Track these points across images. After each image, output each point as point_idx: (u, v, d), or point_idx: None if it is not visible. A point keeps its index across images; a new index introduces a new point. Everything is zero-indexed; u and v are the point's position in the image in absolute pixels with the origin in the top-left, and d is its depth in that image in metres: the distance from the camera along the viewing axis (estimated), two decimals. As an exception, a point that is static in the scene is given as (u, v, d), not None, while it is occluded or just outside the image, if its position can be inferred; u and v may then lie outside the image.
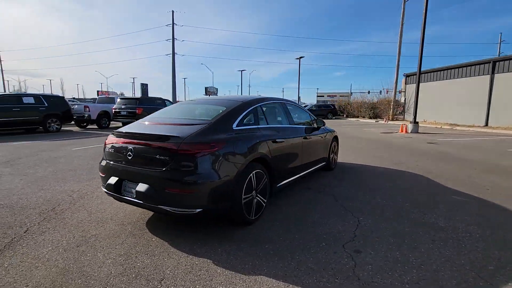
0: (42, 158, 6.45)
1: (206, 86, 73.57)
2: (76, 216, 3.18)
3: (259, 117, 3.41)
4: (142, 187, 2.54)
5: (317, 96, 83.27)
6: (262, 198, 3.11)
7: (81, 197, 3.84)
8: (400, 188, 4.34)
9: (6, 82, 56.39)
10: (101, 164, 3.00)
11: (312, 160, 4.48)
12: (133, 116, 13.48)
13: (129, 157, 2.67)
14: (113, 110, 14.70)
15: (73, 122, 15.30)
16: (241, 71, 42.22)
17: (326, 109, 29.07)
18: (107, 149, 2.95)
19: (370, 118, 25.72)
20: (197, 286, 1.96)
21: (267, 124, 3.50)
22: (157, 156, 2.50)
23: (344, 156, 7.10)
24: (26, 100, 12.36)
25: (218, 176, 2.52)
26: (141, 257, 2.33)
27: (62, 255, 2.35)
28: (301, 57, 30.55)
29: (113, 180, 2.79)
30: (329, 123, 20.71)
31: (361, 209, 3.43)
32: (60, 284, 1.97)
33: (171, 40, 46.40)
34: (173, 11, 47.27)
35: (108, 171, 2.88)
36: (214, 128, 2.76)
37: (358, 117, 27.90)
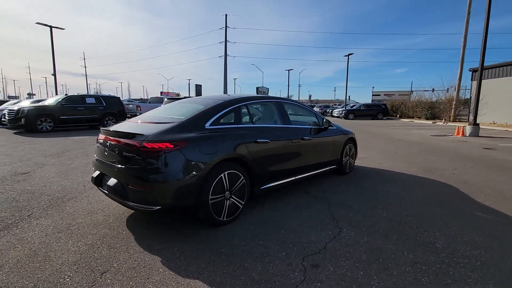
0: (84, 152, 7.28)
1: (257, 86, 74.95)
2: (76, 204, 3.51)
3: (242, 117, 3.32)
4: (112, 181, 2.69)
5: (373, 95, 78.08)
6: (238, 199, 3.02)
7: (92, 187, 4.22)
8: (415, 200, 3.81)
9: (88, 85, 67.01)
10: (93, 159, 3.25)
11: (314, 162, 4.21)
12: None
13: (106, 153, 2.84)
14: (160, 109, 15.91)
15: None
16: (288, 70, 41.61)
17: (376, 109, 26.99)
18: (95, 145, 3.19)
19: (427, 119, 23.15)
20: (131, 283, 1.99)
21: (252, 124, 3.39)
22: (124, 153, 2.61)
23: (370, 159, 6.52)
24: (88, 100, 14.10)
25: (178, 174, 2.53)
26: (102, 248, 2.46)
27: (40, 239, 2.61)
28: (350, 54, 28.86)
29: (95, 173, 3.00)
30: (376, 124, 19.34)
31: (351, 220, 3.10)
32: (21, 265, 2.19)
33: (223, 43, 48.53)
34: (226, 15, 49.31)
35: (94, 165, 3.11)
36: (183, 126, 2.78)
37: (413, 117, 25.35)
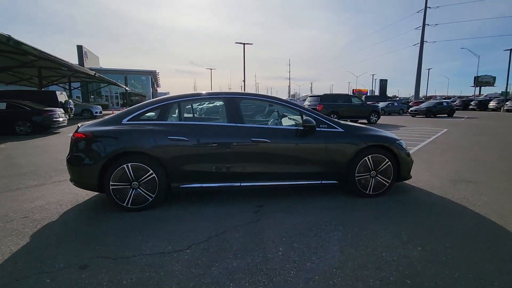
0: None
1: (475, 76, 57.42)
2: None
3: (168, 114, 3.34)
4: None
5: None
6: (147, 192, 3.18)
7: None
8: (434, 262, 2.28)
9: (289, 87, 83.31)
10: None
11: (279, 170, 3.46)
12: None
13: None
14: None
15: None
16: (510, 50, 29.47)
17: None
18: None
19: None
20: (13, 230, 2.81)
21: (179, 121, 3.34)
22: (73, 140, 3.51)
23: (479, 185, 4.08)
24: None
25: (80, 159, 3.12)
26: (55, 204, 3.43)
27: (52, 194, 3.90)
28: None
29: None
30: None
31: (226, 244, 2.43)
32: (18, 207, 3.50)
33: (421, 28, 40.81)
34: (426, -6, 40.93)
35: None
36: (105, 121, 3.31)
37: None
